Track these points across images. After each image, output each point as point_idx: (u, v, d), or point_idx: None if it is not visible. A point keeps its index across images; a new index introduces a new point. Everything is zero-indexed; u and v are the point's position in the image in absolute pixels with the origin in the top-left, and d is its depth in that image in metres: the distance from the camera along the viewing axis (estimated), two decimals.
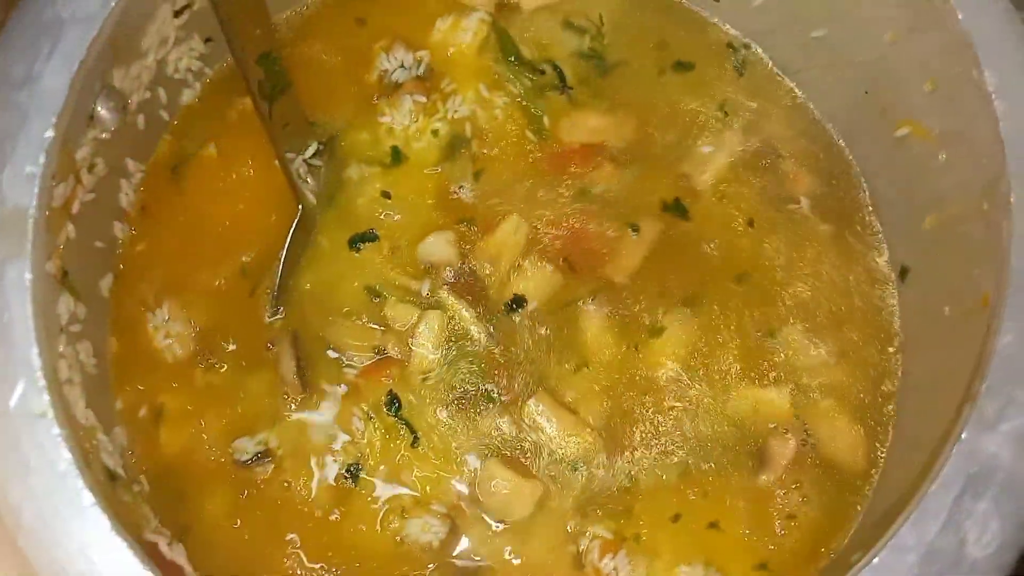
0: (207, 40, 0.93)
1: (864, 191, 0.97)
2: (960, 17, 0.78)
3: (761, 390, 0.88)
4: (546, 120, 0.97)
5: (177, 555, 0.78)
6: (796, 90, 1.01)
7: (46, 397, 0.66)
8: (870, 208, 0.96)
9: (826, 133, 0.99)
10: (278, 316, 0.89)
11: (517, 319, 0.88)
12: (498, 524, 0.83)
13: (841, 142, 0.99)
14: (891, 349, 0.90)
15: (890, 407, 0.88)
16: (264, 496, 0.84)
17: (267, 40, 0.82)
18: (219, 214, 0.91)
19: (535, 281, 0.90)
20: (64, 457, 0.65)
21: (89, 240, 0.84)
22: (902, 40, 0.87)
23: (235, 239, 0.91)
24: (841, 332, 0.90)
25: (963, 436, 0.66)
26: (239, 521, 0.83)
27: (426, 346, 0.87)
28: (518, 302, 0.88)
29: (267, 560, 0.82)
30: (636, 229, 0.92)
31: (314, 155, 0.92)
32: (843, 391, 0.88)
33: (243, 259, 0.90)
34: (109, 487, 0.74)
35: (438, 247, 0.90)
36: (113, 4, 0.76)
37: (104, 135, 0.82)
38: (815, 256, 0.93)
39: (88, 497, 0.64)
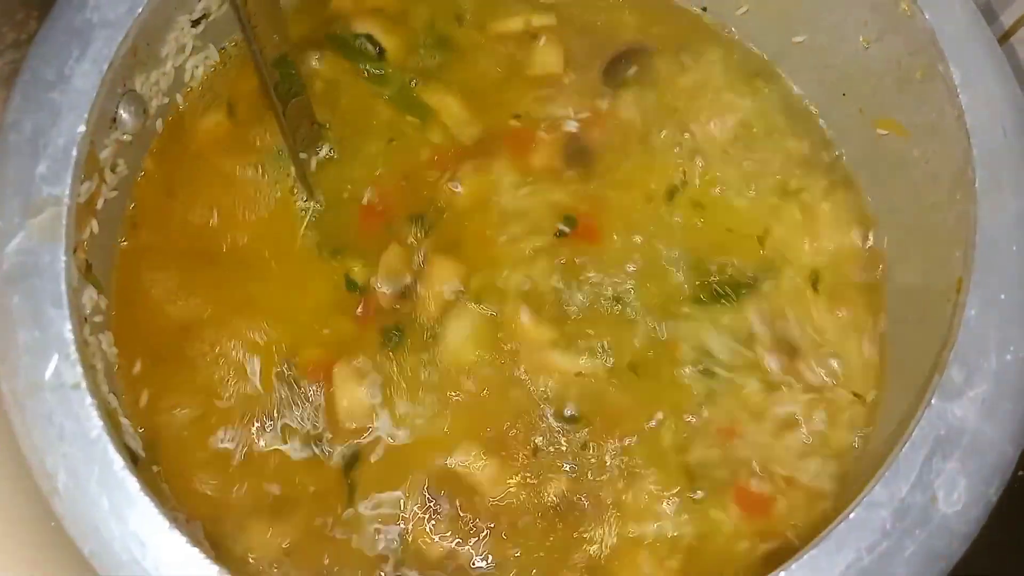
0: (222, 49, 0.98)
1: (851, 185, 1.00)
2: (927, 17, 0.83)
3: (756, 370, 0.92)
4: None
5: (194, 532, 0.82)
6: (793, 86, 1.04)
7: (79, 369, 0.70)
8: (856, 201, 1.00)
9: (818, 128, 1.03)
10: None
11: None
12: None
13: (829, 138, 1.02)
14: (880, 332, 0.94)
15: (879, 385, 0.92)
16: (282, 482, 0.87)
17: (284, 45, 0.87)
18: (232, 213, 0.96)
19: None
20: (96, 425, 0.69)
21: (111, 237, 0.88)
22: (875, 42, 0.92)
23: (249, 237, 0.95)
24: (832, 316, 0.94)
25: (932, 402, 0.70)
26: (256, 506, 0.86)
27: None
28: None
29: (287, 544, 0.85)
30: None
31: (324, 154, 0.97)
32: (834, 372, 0.92)
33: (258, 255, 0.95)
34: (131, 465, 0.78)
35: None
36: (139, 10, 0.80)
37: (126, 137, 0.87)
38: (806, 246, 0.97)
39: (119, 462, 0.68)
